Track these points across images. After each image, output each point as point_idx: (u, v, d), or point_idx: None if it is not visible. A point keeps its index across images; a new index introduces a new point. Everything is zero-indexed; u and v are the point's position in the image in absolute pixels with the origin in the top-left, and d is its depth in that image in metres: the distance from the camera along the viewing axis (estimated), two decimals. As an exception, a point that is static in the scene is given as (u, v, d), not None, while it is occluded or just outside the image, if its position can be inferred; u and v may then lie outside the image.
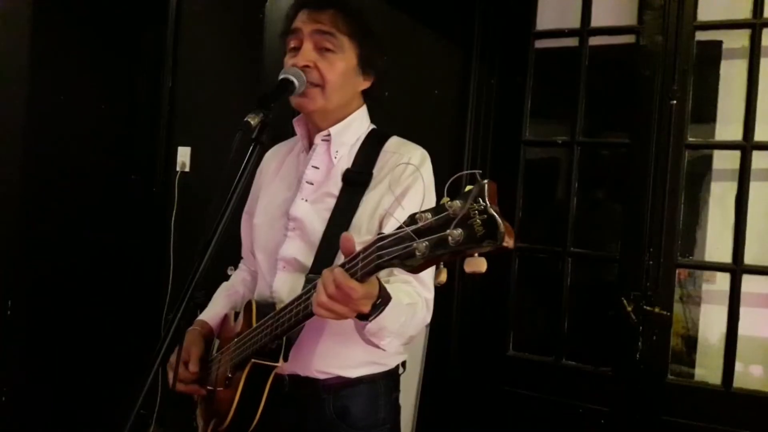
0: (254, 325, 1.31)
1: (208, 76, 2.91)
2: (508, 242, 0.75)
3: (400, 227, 0.87)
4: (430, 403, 2.27)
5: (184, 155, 2.93)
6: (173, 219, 2.90)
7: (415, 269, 0.87)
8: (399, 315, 1.15)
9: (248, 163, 1.15)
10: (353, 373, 1.35)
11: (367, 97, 1.46)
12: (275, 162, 1.53)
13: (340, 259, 1.26)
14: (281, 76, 1.29)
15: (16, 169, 2.44)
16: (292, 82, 1.28)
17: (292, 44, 1.35)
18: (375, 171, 1.35)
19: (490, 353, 2.36)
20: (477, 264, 0.79)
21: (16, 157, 2.43)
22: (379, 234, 0.93)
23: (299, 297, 1.15)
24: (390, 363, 1.40)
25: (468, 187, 0.80)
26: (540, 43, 2.36)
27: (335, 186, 1.35)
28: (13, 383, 2.44)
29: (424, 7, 2.48)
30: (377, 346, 1.20)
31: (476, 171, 0.84)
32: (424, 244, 0.82)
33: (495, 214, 0.76)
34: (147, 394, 1.02)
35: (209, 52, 2.92)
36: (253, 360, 1.27)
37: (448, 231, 0.78)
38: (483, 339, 2.38)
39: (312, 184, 1.38)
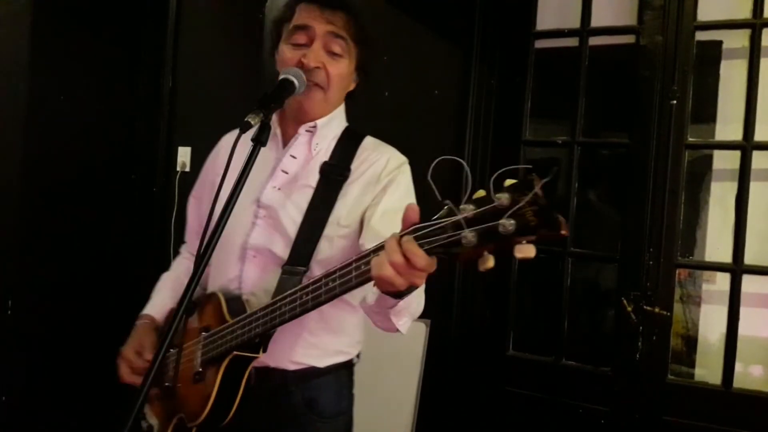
0: (228, 318, 1.30)
1: (208, 76, 2.91)
2: (565, 230, 0.81)
3: (439, 217, 0.89)
4: (430, 403, 2.27)
5: (184, 155, 2.93)
6: (173, 219, 2.90)
7: (460, 257, 0.89)
8: (419, 294, 1.15)
9: (248, 163, 1.16)
10: (323, 362, 1.39)
11: (348, 98, 1.48)
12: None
13: (319, 250, 1.32)
14: (281, 76, 1.30)
15: (17, 168, 2.44)
16: (292, 83, 1.28)
17: (299, 39, 1.34)
18: (353, 166, 1.37)
19: (490, 353, 2.36)
20: (528, 250, 0.82)
21: (16, 156, 2.43)
22: (414, 225, 0.94)
23: (304, 287, 1.15)
24: (352, 352, 1.46)
25: (509, 181, 0.84)
26: (540, 43, 2.36)
27: (312, 177, 1.37)
28: (13, 383, 2.44)
29: (424, 7, 2.48)
30: (392, 328, 1.20)
31: (462, 161, 0.89)
32: (472, 234, 0.85)
33: (549, 205, 0.81)
34: (146, 395, 1.02)
35: (209, 52, 2.92)
36: (235, 353, 1.27)
37: (499, 221, 0.82)
38: (483, 339, 2.37)
39: (287, 173, 1.39)
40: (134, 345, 1.44)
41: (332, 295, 1.11)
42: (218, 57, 2.89)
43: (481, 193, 0.87)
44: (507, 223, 0.82)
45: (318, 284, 1.13)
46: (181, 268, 1.64)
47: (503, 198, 0.83)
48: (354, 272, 1.06)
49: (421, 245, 0.92)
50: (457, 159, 0.91)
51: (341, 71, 1.36)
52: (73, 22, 2.55)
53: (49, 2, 2.45)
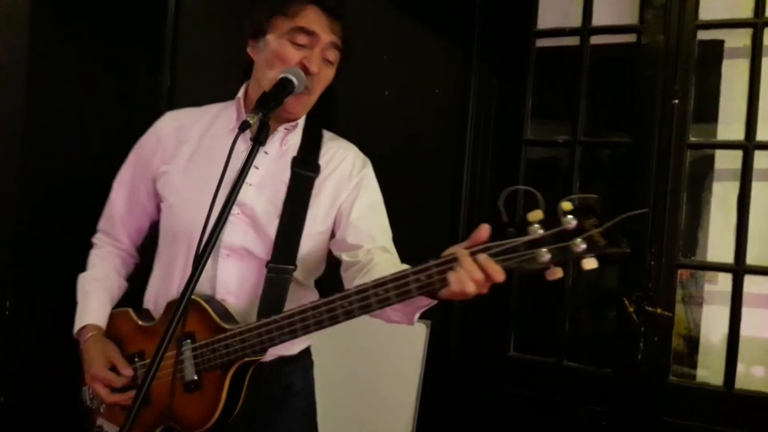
0: (223, 325, 1.29)
1: (207, 75, 2.90)
2: (628, 248, 0.99)
3: (510, 238, 1.04)
4: (430, 403, 2.26)
5: (183, 155, 2.92)
6: (173, 219, 2.89)
7: (533, 271, 1.03)
8: None
9: (247, 162, 1.16)
10: (293, 350, 1.46)
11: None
12: (188, 135, 1.46)
13: (304, 248, 1.36)
14: (281, 75, 1.30)
15: (16, 168, 2.43)
16: (291, 82, 1.29)
17: (300, 40, 1.34)
18: (321, 163, 1.42)
19: (491, 354, 2.36)
20: (593, 263, 1.00)
21: (14, 156, 2.42)
22: (484, 243, 1.06)
23: (346, 296, 1.17)
24: (314, 336, 1.49)
25: (567, 205, 0.99)
26: (541, 42, 2.35)
27: (285, 173, 1.39)
28: (12, 384, 2.43)
29: (424, 7, 2.47)
30: (409, 323, 1.28)
31: (533, 191, 1.04)
32: (546, 252, 1.00)
33: (614, 228, 0.99)
34: (145, 396, 1.01)
35: (208, 51, 2.91)
36: (245, 359, 1.27)
37: (570, 242, 0.99)
38: (484, 339, 2.37)
39: (258, 168, 1.39)
40: (102, 362, 1.38)
41: (386, 304, 1.15)
42: (217, 56, 2.88)
43: (538, 214, 1.01)
44: (580, 243, 0.98)
45: (365, 293, 1.15)
46: (106, 264, 1.56)
47: (570, 221, 0.99)
48: (413, 284, 1.11)
49: (497, 262, 1.04)
50: (529, 189, 1.04)
51: (329, 77, 1.40)
52: (71, 21, 2.54)
53: (48, 2, 2.45)
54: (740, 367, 2.05)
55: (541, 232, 1.01)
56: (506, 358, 2.34)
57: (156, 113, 2.95)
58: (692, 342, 2.27)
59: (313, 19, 1.34)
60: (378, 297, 1.14)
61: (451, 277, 1.06)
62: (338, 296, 1.18)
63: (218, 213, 1.11)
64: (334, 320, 1.19)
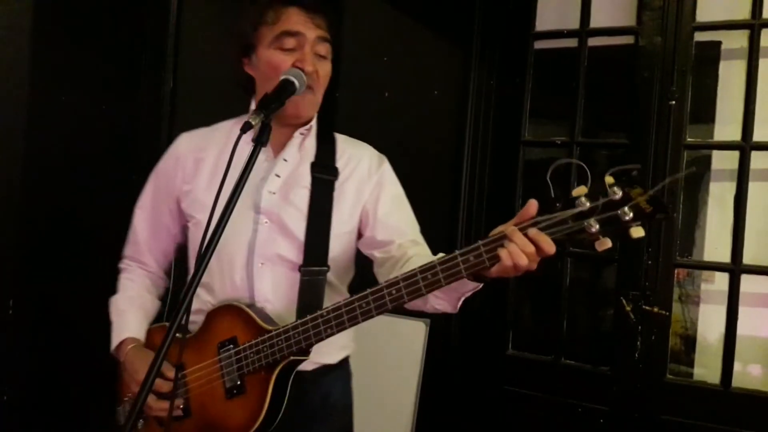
0: (266, 327, 1.31)
1: (209, 77, 2.91)
2: (673, 212, 1.03)
3: (559, 211, 1.07)
4: (429, 402, 2.27)
5: (184, 155, 2.92)
6: (174, 219, 2.90)
7: (585, 243, 1.07)
8: None
9: (249, 163, 1.17)
10: (335, 358, 1.45)
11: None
12: (206, 153, 1.46)
13: (334, 249, 1.38)
14: (282, 77, 1.30)
15: (17, 168, 2.44)
16: (292, 83, 1.29)
17: (287, 44, 1.35)
18: (339, 165, 1.43)
19: (489, 352, 2.37)
20: (640, 231, 1.02)
21: (16, 156, 2.43)
22: (532, 219, 1.09)
23: (392, 283, 1.18)
24: (352, 345, 1.53)
25: (610, 179, 1.03)
26: (539, 44, 2.37)
27: (305, 178, 1.40)
28: (14, 383, 2.44)
29: (424, 7, 2.49)
30: (453, 309, 1.28)
31: (580, 163, 1.14)
32: (595, 222, 1.03)
33: (657, 195, 1.01)
34: (147, 395, 1.03)
35: (210, 53, 2.92)
36: (291, 358, 1.28)
37: (619, 211, 1.01)
38: (482, 338, 2.38)
39: (279, 176, 1.40)
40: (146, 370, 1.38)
41: (435, 287, 1.17)
42: (219, 58, 2.88)
43: (582, 189, 1.05)
44: (627, 212, 1.01)
45: (413, 279, 1.17)
46: (137, 284, 1.57)
47: (616, 191, 1.01)
48: (462, 265, 1.13)
49: (546, 234, 1.08)
50: (574, 161, 1.12)
51: (327, 71, 1.40)
52: (74, 23, 2.55)
53: (50, 3, 2.46)
54: (737, 366, 2.06)
55: (588, 204, 1.04)
56: (505, 356, 2.35)
57: (158, 115, 2.99)
58: (689, 341, 2.28)
59: (294, 19, 1.35)
60: (427, 281, 1.16)
61: (502, 252, 1.09)
62: (386, 284, 1.19)
63: (224, 213, 1.11)
64: (382, 308, 1.20)
